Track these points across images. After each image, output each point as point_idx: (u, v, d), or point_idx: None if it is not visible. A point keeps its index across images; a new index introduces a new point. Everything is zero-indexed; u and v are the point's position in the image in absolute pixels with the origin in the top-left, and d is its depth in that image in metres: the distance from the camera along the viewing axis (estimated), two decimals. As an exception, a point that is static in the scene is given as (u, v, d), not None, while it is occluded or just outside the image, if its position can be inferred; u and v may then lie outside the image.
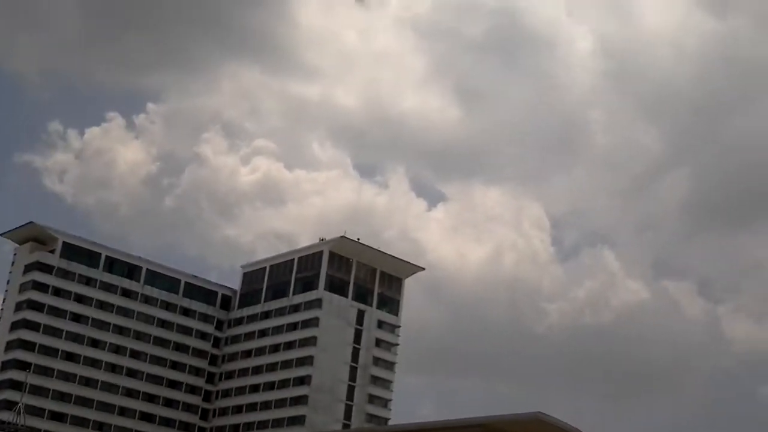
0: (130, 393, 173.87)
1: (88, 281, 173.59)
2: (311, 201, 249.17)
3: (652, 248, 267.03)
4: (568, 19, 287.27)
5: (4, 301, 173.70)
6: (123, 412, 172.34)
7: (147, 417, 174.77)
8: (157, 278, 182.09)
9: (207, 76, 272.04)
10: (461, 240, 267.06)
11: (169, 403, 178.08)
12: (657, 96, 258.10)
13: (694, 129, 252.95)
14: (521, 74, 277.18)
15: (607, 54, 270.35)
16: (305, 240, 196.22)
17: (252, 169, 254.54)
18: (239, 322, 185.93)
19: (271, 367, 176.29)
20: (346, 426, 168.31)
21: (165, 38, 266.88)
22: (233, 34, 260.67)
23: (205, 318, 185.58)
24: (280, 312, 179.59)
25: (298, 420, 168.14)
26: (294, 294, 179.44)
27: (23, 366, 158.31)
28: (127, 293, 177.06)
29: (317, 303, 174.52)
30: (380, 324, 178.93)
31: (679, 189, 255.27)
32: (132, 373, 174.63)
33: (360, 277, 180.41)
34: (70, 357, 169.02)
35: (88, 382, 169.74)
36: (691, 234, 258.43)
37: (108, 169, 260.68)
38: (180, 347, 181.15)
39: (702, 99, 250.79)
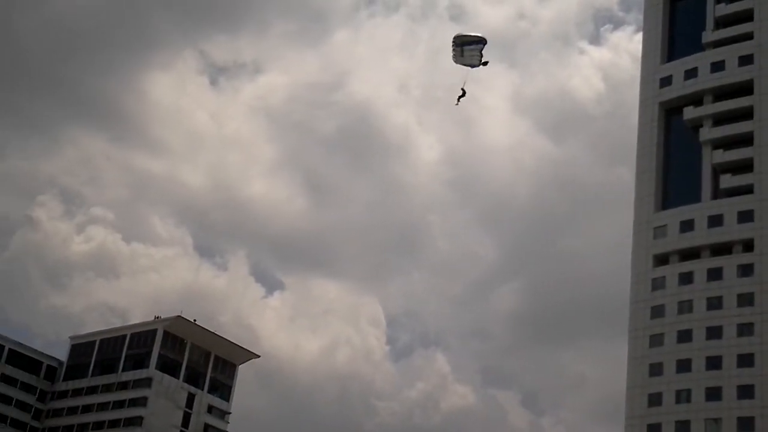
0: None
1: None
2: (147, 277, 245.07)
3: (481, 355, 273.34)
4: (418, 127, 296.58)
5: None
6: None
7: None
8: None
9: (47, 138, 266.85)
10: (297, 330, 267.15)
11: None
12: (494, 208, 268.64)
13: (527, 243, 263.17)
14: (369, 174, 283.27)
15: (452, 163, 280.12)
16: (136, 316, 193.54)
17: (86, 238, 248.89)
18: (64, 395, 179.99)
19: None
20: None
21: (6, 95, 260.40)
22: (80, 100, 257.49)
23: (28, 388, 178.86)
24: (108, 388, 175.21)
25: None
26: (123, 371, 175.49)
27: None
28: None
29: (147, 382, 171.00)
30: (210, 409, 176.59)
31: (509, 300, 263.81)
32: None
33: (193, 359, 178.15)
34: None
35: None
36: (518, 345, 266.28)
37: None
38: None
39: (535, 215, 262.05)
